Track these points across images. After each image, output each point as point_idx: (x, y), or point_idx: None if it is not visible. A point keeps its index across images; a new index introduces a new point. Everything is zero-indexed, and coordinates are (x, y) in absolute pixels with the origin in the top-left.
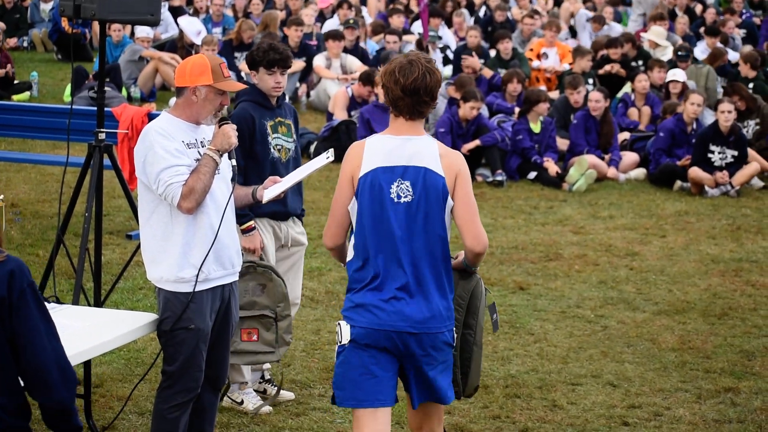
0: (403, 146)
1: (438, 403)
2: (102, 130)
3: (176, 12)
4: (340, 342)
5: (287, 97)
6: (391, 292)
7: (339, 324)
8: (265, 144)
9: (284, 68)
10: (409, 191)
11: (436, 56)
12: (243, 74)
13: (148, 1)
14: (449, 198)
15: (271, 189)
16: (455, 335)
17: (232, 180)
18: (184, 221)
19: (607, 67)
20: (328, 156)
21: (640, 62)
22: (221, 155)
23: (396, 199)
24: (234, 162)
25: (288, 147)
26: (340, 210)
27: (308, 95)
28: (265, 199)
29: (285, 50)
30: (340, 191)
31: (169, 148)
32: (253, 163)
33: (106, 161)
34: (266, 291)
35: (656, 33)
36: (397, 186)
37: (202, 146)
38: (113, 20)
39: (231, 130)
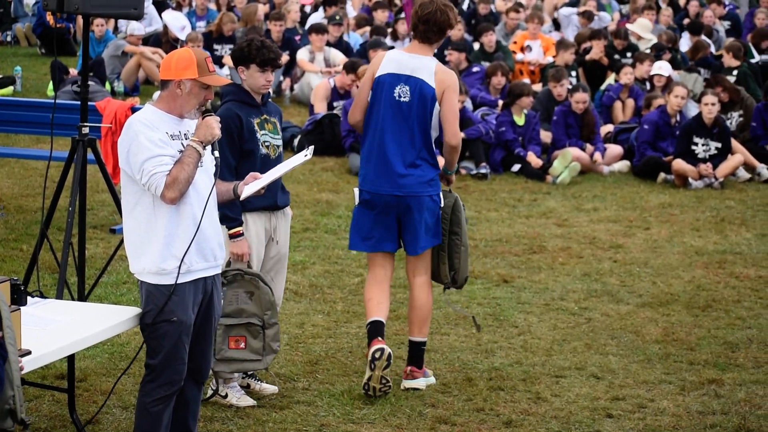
0: (411, 61)
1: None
2: (85, 124)
3: (160, 6)
4: (356, 203)
5: (271, 92)
6: None
7: (354, 190)
8: (254, 141)
9: (276, 67)
10: (407, 94)
11: None
12: (227, 68)
13: None
14: (437, 104)
15: (251, 185)
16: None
17: (214, 174)
18: (167, 212)
19: (592, 54)
20: (306, 154)
21: (629, 54)
22: (204, 147)
23: (397, 98)
24: (217, 154)
25: (276, 144)
26: (363, 96)
27: (292, 89)
28: (243, 195)
29: (277, 50)
30: (364, 85)
31: (153, 138)
32: (244, 161)
33: (90, 155)
34: (254, 299)
35: (641, 25)
36: (400, 88)
37: (186, 138)
38: (97, 14)
39: (214, 122)
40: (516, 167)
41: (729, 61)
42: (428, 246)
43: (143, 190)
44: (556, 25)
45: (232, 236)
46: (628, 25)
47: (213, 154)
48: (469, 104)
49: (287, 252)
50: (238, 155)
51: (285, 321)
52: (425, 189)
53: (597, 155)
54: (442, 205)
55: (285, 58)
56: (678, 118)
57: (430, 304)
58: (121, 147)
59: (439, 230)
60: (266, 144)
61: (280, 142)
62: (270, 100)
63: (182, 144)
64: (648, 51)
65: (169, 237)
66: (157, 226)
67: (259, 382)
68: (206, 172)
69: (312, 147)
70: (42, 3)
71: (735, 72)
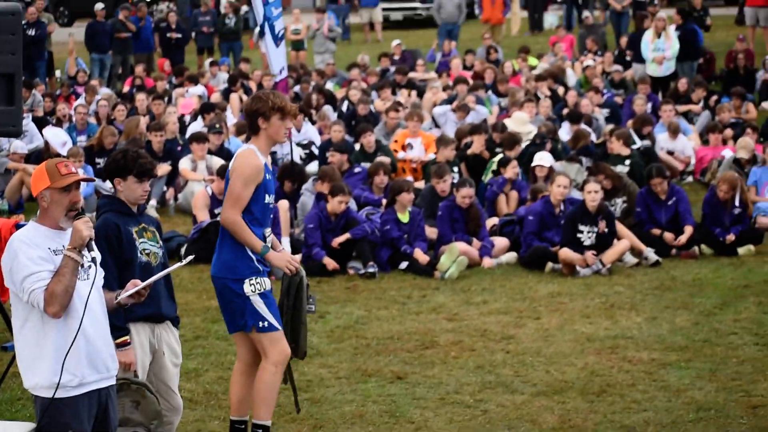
0: None
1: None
2: None
3: (40, 122)
4: None
5: (155, 202)
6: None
7: None
8: (133, 250)
9: (151, 177)
10: None
11: (286, 149)
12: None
13: (9, 113)
14: None
15: (128, 290)
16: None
17: (89, 270)
18: (55, 326)
19: (473, 148)
20: (185, 260)
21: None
22: (80, 252)
23: None
24: (94, 254)
25: (156, 252)
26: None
27: (176, 198)
28: (120, 297)
29: (152, 161)
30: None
31: (32, 255)
32: (124, 270)
33: None
34: (140, 408)
35: (518, 119)
36: None
37: None
38: None
39: (82, 224)
40: (403, 265)
41: (619, 148)
42: (239, 327)
43: (31, 307)
44: (436, 122)
45: (118, 345)
46: (506, 121)
47: (90, 254)
48: (353, 204)
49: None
50: (118, 265)
51: (181, 429)
52: (224, 273)
53: (486, 260)
54: (250, 291)
55: (167, 168)
56: (562, 207)
57: (264, 386)
58: (4, 266)
59: (250, 313)
60: (146, 252)
61: (160, 251)
62: (146, 212)
63: None
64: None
65: (59, 351)
66: (47, 340)
67: None
68: (96, 284)
69: (192, 256)
70: None
71: (627, 162)
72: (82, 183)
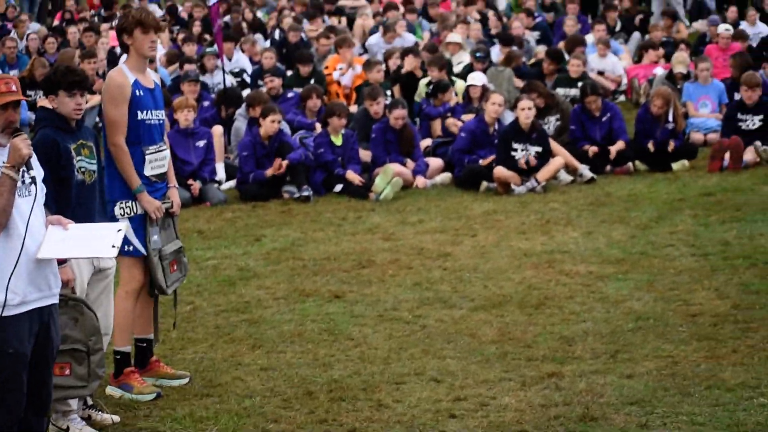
0: None
1: None
2: None
3: None
4: None
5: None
6: None
7: None
8: (71, 168)
9: (83, 90)
10: None
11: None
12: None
13: None
14: None
15: (50, 249)
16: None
17: (30, 187)
18: None
19: (407, 67)
20: (114, 245)
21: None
22: (18, 170)
23: None
24: (33, 172)
25: (92, 169)
26: None
27: None
28: (40, 256)
29: (83, 72)
30: None
31: None
32: (60, 187)
33: None
34: (78, 324)
35: (454, 37)
36: None
37: None
38: None
39: (20, 142)
40: (338, 187)
41: (548, 67)
42: None
43: None
44: (366, 50)
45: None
46: (447, 38)
47: (29, 173)
48: (286, 128)
49: (112, 280)
50: (54, 182)
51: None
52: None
53: (419, 179)
54: (119, 214)
55: (99, 98)
56: (496, 126)
57: (117, 312)
58: None
59: None
60: (82, 170)
61: (96, 167)
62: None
63: None
64: (467, 62)
65: (2, 270)
66: None
67: (99, 413)
68: (37, 202)
69: (123, 229)
70: None
71: (580, 84)
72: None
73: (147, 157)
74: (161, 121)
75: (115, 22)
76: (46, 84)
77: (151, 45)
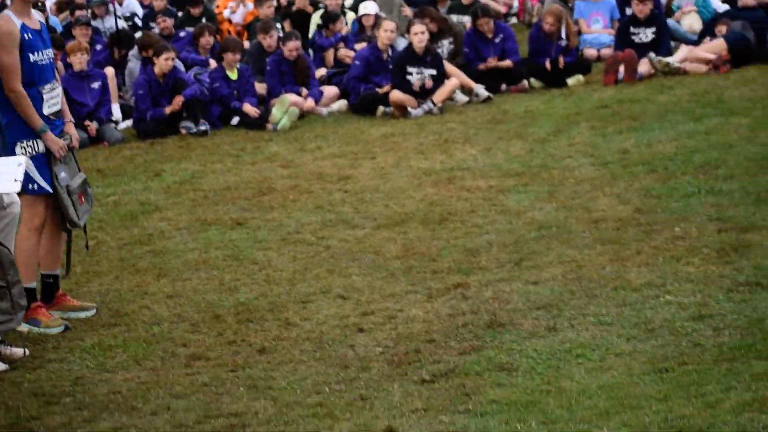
0: None
1: None
2: None
3: None
4: None
5: None
6: None
7: None
8: None
9: None
10: None
11: (110, 23)
12: None
13: None
14: None
15: None
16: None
17: None
18: None
19: (297, 4)
20: (16, 179)
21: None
22: None
23: None
24: None
25: None
26: None
27: None
28: None
29: None
30: None
31: None
32: None
33: None
34: None
35: None
36: None
37: None
38: None
39: None
40: (235, 120)
41: None
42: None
43: None
44: None
45: None
46: None
47: None
48: (180, 66)
49: (17, 212)
50: None
51: None
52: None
53: (310, 101)
54: (21, 153)
55: None
56: (390, 52)
57: (19, 251)
58: None
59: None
60: None
61: None
62: None
63: None
64: None
65: None
66: None
67: (8, 347)
68: None
69: (24, 162)
70: None
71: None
72: None
73: (44, 96)
74: (51, 60)
75: None
76: None
77: None
